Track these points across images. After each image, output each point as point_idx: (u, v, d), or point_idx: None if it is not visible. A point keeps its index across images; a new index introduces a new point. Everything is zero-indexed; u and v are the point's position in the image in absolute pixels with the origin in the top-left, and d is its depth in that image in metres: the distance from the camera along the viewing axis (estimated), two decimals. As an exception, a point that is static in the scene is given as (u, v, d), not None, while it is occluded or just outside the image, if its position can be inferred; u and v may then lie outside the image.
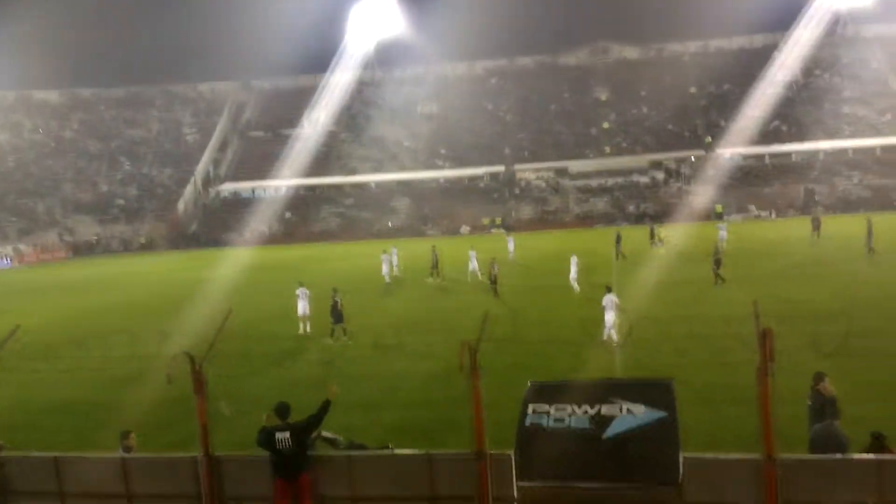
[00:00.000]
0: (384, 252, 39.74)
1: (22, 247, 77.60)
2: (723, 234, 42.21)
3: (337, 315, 24.77)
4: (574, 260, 31.88)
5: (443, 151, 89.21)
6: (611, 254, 42.81)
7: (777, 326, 8.69)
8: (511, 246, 47.27)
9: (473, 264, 37.02)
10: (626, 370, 18.29)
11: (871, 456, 9.26)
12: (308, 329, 26.38)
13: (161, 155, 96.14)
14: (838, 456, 9.53)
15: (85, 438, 15.15)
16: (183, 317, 27.18)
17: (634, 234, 45.00)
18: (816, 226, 44.51)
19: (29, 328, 10.91)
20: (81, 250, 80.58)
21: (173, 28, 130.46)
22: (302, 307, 26.77)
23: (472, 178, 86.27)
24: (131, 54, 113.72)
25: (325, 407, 10.47)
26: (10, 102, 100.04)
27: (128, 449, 11.24)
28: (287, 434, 10.13)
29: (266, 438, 10.22)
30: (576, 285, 31.04)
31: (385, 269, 38.32)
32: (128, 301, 38.72)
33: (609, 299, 21.28)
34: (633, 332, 20.00)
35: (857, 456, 9.43)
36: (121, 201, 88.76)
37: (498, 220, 77.72)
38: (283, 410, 10.43)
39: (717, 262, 31.22)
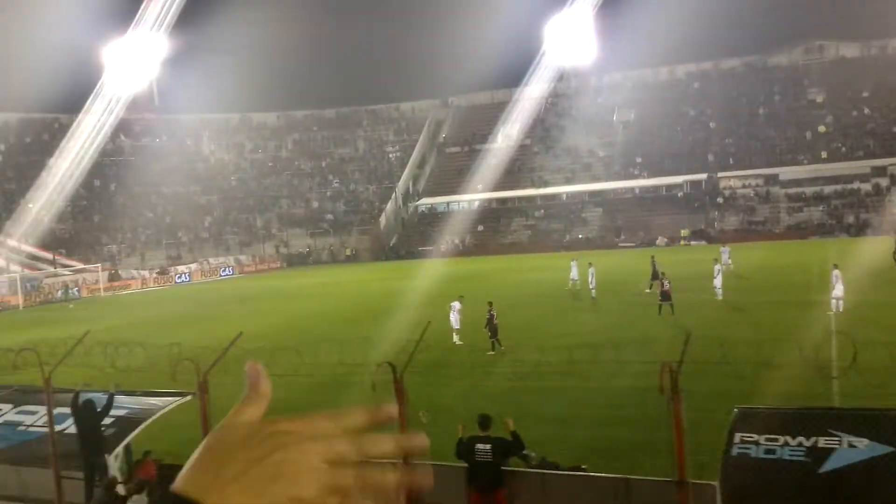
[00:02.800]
0: (590, 265, 38.19)
1: (242, 258, 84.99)
2: None
3: (492, 328, 25.21)
4: (836, 274, 27.13)
5: (639, 160, 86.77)
6: (850, 267, 38.63)
7: None
8: (726, 256, 41.94)
9: (718, 280, 33.29)
10: (847, 399, 16.62)
11: None
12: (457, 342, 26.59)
13: (366, 172, 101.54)
14: None
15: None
16: (384, 325, 28.32)
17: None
18: None
19: (248, 335, 11.78)
20: (294, 261, 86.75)
21: (377, 52, 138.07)
22: (454, 320, 27.08)
23: (670, 187, 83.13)
24: (340, 78, 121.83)
25: (517, 438, 10.49)
26: (234, 125, 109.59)
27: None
28: (489, 447, 10.10)
29: (466, 449, 10.24)
30: (839, 304, 26.79)
31: (592, 281, 37.21)
32: (334, 309, 41.16)
33: None
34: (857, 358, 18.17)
35: None
36: (330, 216, 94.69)
37: (686, 232, 74.29)
38: (485, 422, 10.43)
39: None
